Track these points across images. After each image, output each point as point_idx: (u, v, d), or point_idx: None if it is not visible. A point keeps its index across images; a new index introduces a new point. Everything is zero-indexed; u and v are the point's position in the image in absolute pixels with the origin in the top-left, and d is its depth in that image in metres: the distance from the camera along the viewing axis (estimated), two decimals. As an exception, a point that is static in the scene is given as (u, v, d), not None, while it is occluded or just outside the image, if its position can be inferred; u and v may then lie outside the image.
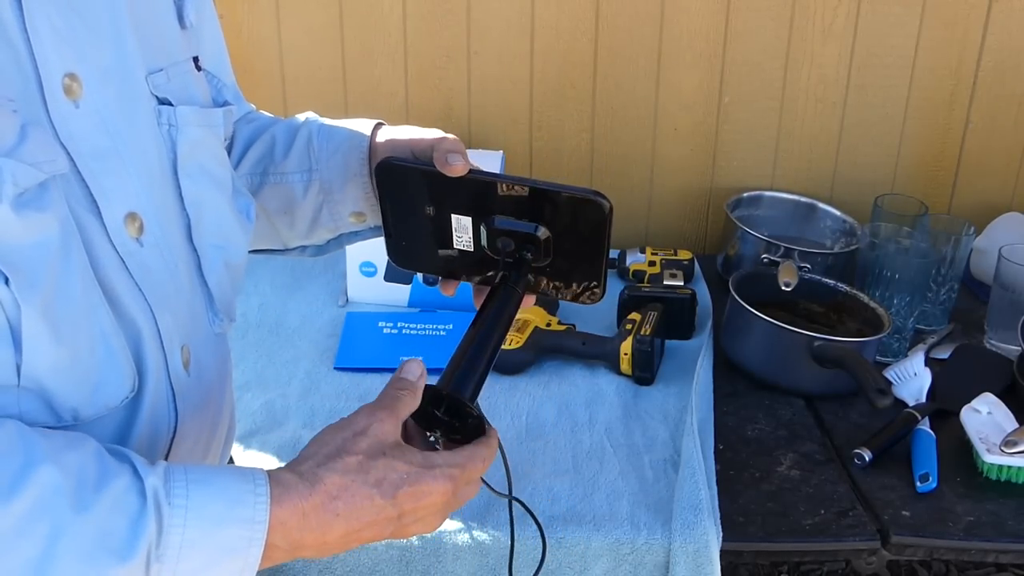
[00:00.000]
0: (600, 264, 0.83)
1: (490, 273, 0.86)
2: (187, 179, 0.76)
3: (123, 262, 0.68)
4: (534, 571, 1.05)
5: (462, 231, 0.84)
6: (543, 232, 0.82)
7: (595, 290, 0.85)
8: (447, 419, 0.78)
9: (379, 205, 0.91)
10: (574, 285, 0.86)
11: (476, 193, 0.82)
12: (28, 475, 0.57)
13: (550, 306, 1.54)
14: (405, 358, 0.79)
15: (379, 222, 0.92)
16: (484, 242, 0.83)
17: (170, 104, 0.75)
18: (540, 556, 1.04)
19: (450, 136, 0.84)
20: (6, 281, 0.59)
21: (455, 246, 0.85)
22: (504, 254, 0.83)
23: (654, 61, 1.80)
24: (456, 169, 0.80)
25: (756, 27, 1.77)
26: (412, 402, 0.76)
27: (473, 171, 0.81)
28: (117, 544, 0.59)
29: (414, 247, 0.88)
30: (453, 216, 0.84)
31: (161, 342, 0.72)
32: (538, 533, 1.13)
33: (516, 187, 0.81)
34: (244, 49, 1.76)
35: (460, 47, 1.79)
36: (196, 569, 0.62)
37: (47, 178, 0.61)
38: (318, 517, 0.67)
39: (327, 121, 0.95)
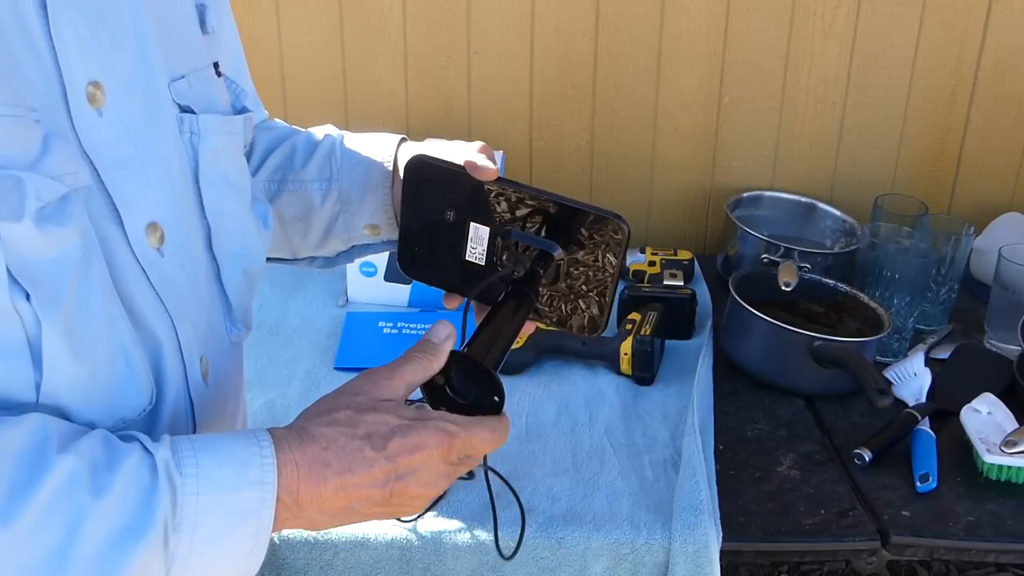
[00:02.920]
0: (607, 295, 0.81)
1: (492, 292, 0.84)
2: (208, 187, 0.75)
3: (144, 273, 0.68)
4: (516, 540, 1.04)
5: (477, 241, 0.83)
6: (560, 253, 0.81)
7: (597, 322, 0.83)
8: (462, 402, 0.75)
9: (395, 219, 0.91)
10: (576, 313, 0.83)
11: (499, 202, 0.81)
12: (48, 467, 0.58)
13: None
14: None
15: (392, 236, 0.92)
16: (497, 257, 0.82)
17: (192, 112, 0.74)
18: (520, 528, 1.02)
19: (480, 143, 0.85)
20: (27, 297, 0.58)
21: (467, 257, 0.84)
22: (516, 271, 0.81)
23: (654, 61, 1.80)
24: (487, 172, 0.80)
25: (756, 27, 1.77)
26: (428, 364, 0.73)
27: (502, 179, 0.81)
28: (134, 521, 0.59)
29: (426, 254, 0.87)
30: (472, 224, 0.83)
31: (181, 353, 0.72)
32: (538, 535, 1.13)
33: (540, 200, 0.80)
34: (244, 49, 1.75)
35: (460, 47, 1.79)
36: (212, 536, 0.62)
37: (69, 191, 0.60)
38: (310, 468, 0.66)
39: (350, 133, 0.96)
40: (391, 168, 0.91)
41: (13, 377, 0.59)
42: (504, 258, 0.83)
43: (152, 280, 0.68)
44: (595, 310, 0.83)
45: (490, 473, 0.90)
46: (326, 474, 0.66)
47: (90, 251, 0.62)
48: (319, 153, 0.94)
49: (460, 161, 0.82)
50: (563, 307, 0.84)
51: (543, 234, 0.81)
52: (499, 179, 0.81)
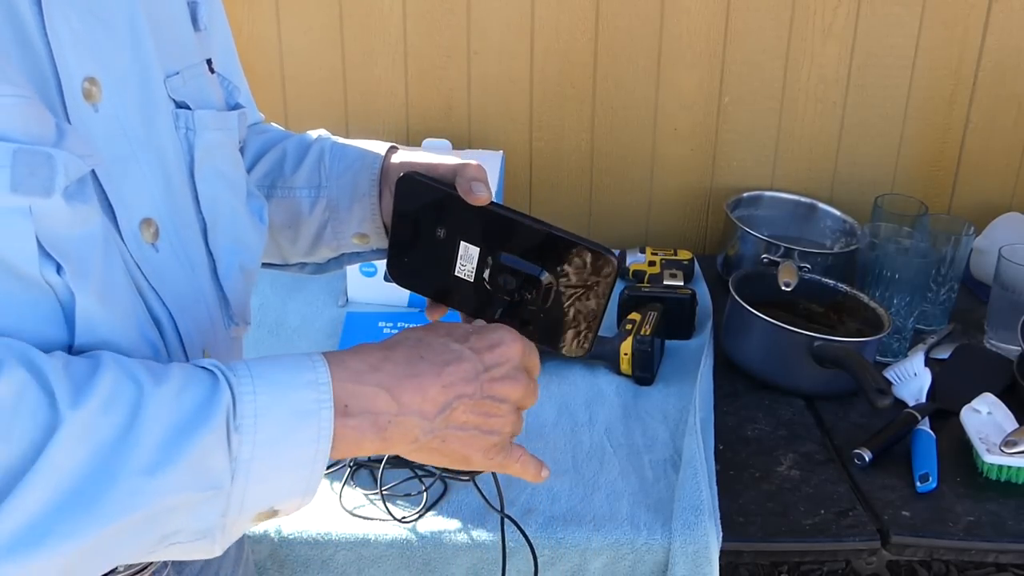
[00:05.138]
0: (595, 321, 0.83)
1: (481, 307, 0.85)
2: (203, 183, 0.76)
3: (139, 268, 0.68)
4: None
5: (466, 260, 0.84)
6: (547, 277, 0.81)
7: (583, 345, 0.84)
8: None
9: (383, 227, 0.91)
10: (564, 336, 0.84)
11: (490, 226, 0.82)
12: (104, 364, 0.59)
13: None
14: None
15: (381, 244, 0.93)
16: (486, 276, 0.83)
17: (187, 108, 0.75)
18: (533, 572, 1.04)
19: (474, 163, 0.84)
20: (58, 270, 0.59)
21: (455, 273, 0.85)
22: (504, 291, 0.83)
23: (654, 61, 1.80)
24: (480, 199, 0.80)
25: (756, 27, 1.77)
26: None
27: (494, 204, 0.81)
28: (197, 412, 0.60)
29: (415, 266, 0.88)
30: (461, 243, 0.83)
31: (183, 346, 0.72)
32: (538, 534, 1.13)
33: (530, 228, 0.81)
34: (244, 49, 1.75)
35: (460, 47, 1.79)
36: (274, 438, 0.62)
37: (88, 171, 0.62)
38: (407, 365, 0.68)
39: (340, 140, 0.96)
40: (378, 177, 0.90)
41: (48, 341, 0.61)
42: (492, 278, 0.83)
43: (146, 274, 0.69)
44: (582, 334, 0.83)
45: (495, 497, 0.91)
46: (421, 367, 0.68)
47: (108, 231, 0.64)
48: (308, 160, 0.93)
49: (452, 180, 0.82)
50: (551, 329, 0.84)
51: (532, 259, 0.82)
52: (491, 203, 0.81)
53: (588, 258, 0.80)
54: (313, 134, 0.97)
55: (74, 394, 0.56)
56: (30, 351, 0.57)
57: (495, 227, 0.82)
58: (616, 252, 0.80)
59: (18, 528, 0.54)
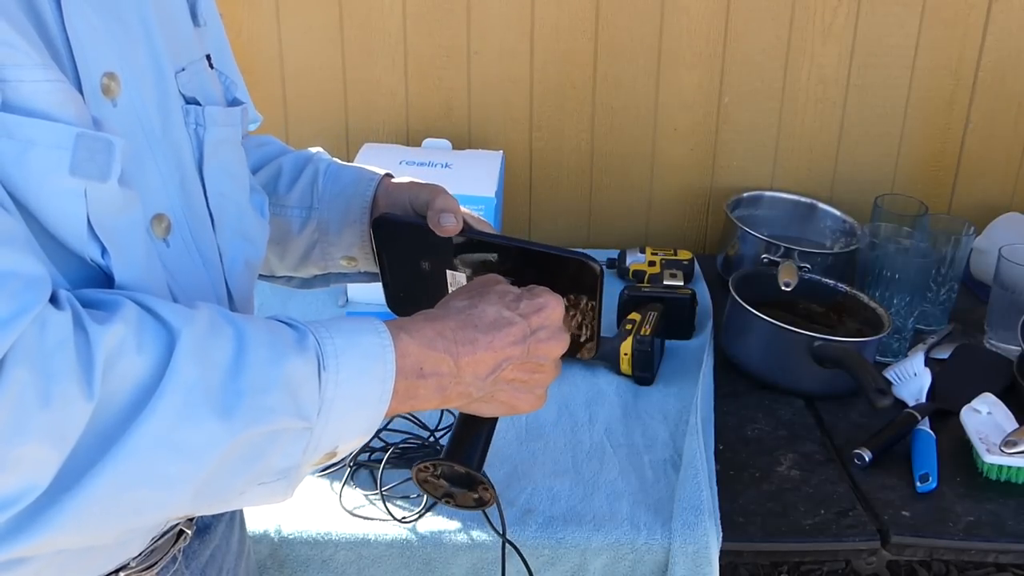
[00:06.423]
0: (593, 324, 0.84)
1: None
2: (211, 178, 0.77)
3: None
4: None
5: (456, 286, 0.86)
6: None
7: (588, 345, 0.86)
8: (457, 486, 0.82)
9: (372, 253, 0.92)
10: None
11: (469, 252, 0.83)
12: (199, 303, 0.64)
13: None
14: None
15: (369, 268, 0.95)
16: None
17: (197, 103, 0.75)
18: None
19: (445, 193, 0.86)
20: (102, 253, 0.62)
21: None
22: None
23: (654, 61, 1.80)
24: (448, 230, 0.83)
25: (756, 27, 1.77)
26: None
27: (467, 231, 0.83)
28: (292, 344, 0.65)
29: (411, 297, 0.90)
30: (448, 272, 0.85)
31: None
32: (538, 534, 1.13)
33: (507, 248, 0.82)
34: (244, 49, 1.75)
35: (460, 47, 1.79)
36: (351, 378, 0.66)
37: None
38: (462, 332, 0.73)
39: (336, 162, 0.96)
40: (370, 204, 0.91)
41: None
42: None
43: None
44: (586, 338, 0.85)
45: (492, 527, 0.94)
46: (476, 336, 0.73)
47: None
48: (303, 180, 0.94)
49: (427, 198, 0.84)
50: None
51: (517, 276, 0.82)
52: (465, 231, 0.82)
53: (569, 267, 0.81)
54: (308, 154, 0.98)
55: (182, 319, 0.60)
56: (134, 295, 0.62)
57: (474, 253, 0.83)
58: (599, 261, 0.81)
59: (161, 433, 0.57)
